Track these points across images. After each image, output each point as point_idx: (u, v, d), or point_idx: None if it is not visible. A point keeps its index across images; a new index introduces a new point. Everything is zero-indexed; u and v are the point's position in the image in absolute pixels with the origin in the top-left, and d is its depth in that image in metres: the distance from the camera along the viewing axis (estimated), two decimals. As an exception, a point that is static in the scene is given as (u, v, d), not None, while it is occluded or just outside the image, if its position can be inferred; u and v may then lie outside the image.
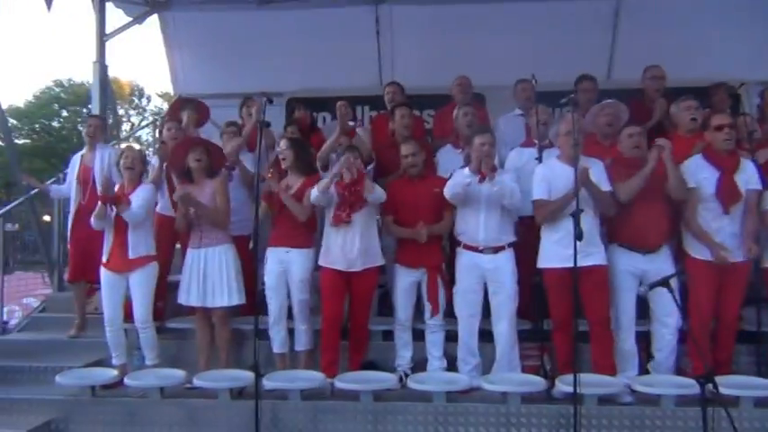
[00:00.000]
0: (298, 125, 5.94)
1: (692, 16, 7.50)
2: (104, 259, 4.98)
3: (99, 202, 4.87)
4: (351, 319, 4.96)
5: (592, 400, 4.21)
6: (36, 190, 6.59)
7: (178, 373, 4.76)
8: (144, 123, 27.66)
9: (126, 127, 27.19)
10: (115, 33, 7.70)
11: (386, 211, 4.88)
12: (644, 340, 4.63)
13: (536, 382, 4.44)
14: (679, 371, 4.56)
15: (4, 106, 7.29)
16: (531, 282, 4.75)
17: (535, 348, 4.82)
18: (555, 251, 4.46)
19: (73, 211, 5.79)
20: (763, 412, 4.12)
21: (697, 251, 4.53)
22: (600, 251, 4.49)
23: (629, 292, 4.52)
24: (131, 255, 4.90)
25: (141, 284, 4.92)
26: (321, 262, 4.89)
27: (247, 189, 5.44)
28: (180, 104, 6.46)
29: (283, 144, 5.08)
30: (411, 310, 4.93)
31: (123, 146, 6.23)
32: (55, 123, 29.16)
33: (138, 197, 4.92)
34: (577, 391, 3.85)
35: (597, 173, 4.47)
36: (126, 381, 4.69)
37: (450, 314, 4.87)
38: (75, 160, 5.94)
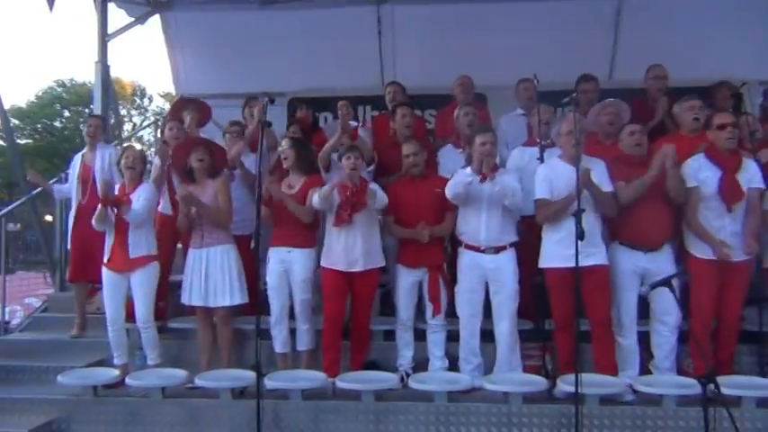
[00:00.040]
0: (300, 125, 5.95)
1: (694, 16, 7.48)
2: (105, 259, 4.99)
3: (99, 205, 4.87)
4: (352, 319, 4.96)
5: (593, 400, 4.21)
6: (38, 190, 6.60)
7: (180, 373, 4.76)
8: (146, 123, 27.71)
9: (128, 127, 27.16)
10: (117, 33, 7.70)
11: (387, 211, 4.88)
12: (645, 340, 4.62)
13: (537, 382, 4.44)
14: (681, 371, 4.56)
15: (6, 106, 7.30)
16: (533, 281, 4.75)
17: (537, 348, 4.83)
18: (556, 251, 4.46)
19: (73, 211, 5.81)
20: (765, 412, 4.12)
21: (699, 251, 4.52)
22: (601, 251, 4.49)
23: (631, 292, 4.52)
24: (132, 254, 4.91)
25: (142, 284, 4.93)
26: (323, 262, 4.89)
27: (249, 189, 5.44)
28: (182, 104, 6.47)
29: (285, 143, 5.08)
30: (413, 310, 4.93)
31: (124, 145, 6.24)
32: (57, 123, 29.14)
33: (140, 197, 4.93)
34: (579, 390, 3.84)
35: (599, 173, 4.47)
36: (128, 380, 4.69)
37: (451, 314, 4.87)
38: (77, 160, 5.95)
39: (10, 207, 6.91)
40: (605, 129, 5.00)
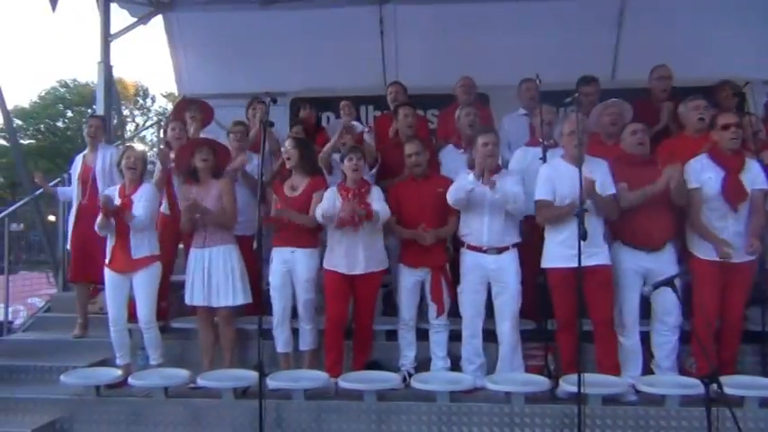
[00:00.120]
0: (303, 125, 5.95)
1: (696, 15, 7.47)
2: (107, 260, 4.99)
3: (100, 214, 4.88)
4: (355, 319, 4.96)
5: (596, 400, 4.20)
6: (41, 190, 6.61)
7: (182, 373, 4.77)
8: (148, 123, 27.69)
9: (130, 127, 27.21)
10: (120, 34, 7.71)
11: (390, 211, 4.87)
12: (648, 340, 4.62)
13: (540, 382, 4.44)
14: (683, 371, 4.55)
15: (10, 107, 7.31)
16: (535, 282, 4.74)
17: (539, 348, 4.82)
18: (559, 251, 4.45)
19: (73, 211, 5.81)
20: (768, 412, 4.11)
21: (701, 251, 4.51)
22: (604, 251, 4.48)
23: (634, 292, 4.51)
24: (134, 255, 4.91)
25: (145, 285, 4.94)
26: (325, 264, 4.89)
27: (251, 190, 5.44)
28: (184, 105, 6.47)
29: (288, 144, 5.08)
30: (415, 310, 4.93)
31: (124, 146, 6.25)
32: (60, 124, 29.17)
33: (141, 198, 4.94)
34: (581, 390, 3.82)
35: (602, 173, 4.47)
36: (130, 380, 4.70)
37: (454, 314, 4.88)
38: (78, 160, 5.96)
39: (13, 207, 6.93)
40: (608, 129, 4.99)
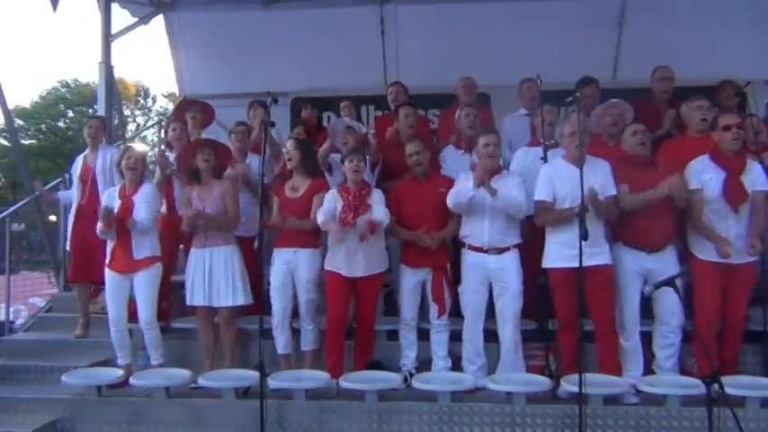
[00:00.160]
0: (305, 125, 5.95)
1: (697, 15, 7.47)
2: (107, 260, 5.00)
3: (100, 222, 4.88)
4: (357, 320, 4.96)
5: (597, 400, 4.20)
6: (43, 189, 6.61)
7: (183, 373, 4.77)
8: (149, 124, 27.71)
9: (131, 127, 27.24)
10: (121, 34, 7.72)
11: (391, 212, 4.87)
12: (649, 340, 4.61)
13: (541, 382, 4.44)
14: (684, 371, 4.55)
15: (11, 107, 7.31)
16: (537, 282, 4.74)
17: (540, 348, 4.82)
18: (560, 251, 4.45)
19: (73, 211, 5.80)
20: (770, 412, 4.10)
21: (702, 252, 4.51)
22: (605, 251, 4.48)
23: (634, 292, 4.50)
24: (136, 256, 4.91)
25: (145, 285, 4.93)
26: (326, 266, 4.88)
27: (252, 192, 5.44)
28: (185, 105, 6.48)
29: (290, 144, 5.08)
30: (416, 310, 4.92)
31: (123, 146, 6.25)
32: (61, 124, 29.19)
33: (142, 200, 4.94)
34: (582, 390, 3.81)
35: (603, 174, 4.47)
36: (131, 380, 4.70)
37: (455, 314, 4.87)
38: (78, 161, 5.95)
39: (14, 207, 6.93)
40: (609, 129, 4.99)
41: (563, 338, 4.59)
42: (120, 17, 7.87)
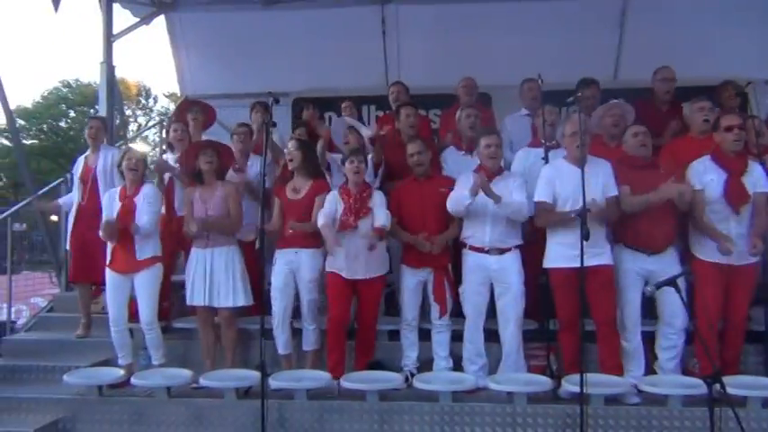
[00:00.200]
0: (307, 126, 5.95)
1: (699, 15, 7.46)
2: (108, 260, 5.00)
3: (102, 231, 4.89)
4: (358, 320, 4.96)
5: (598, 400, 4.20)
6: (44, 189, 6.62)
7: (185, 373, 4.78)
8: (151, 124, 27.75)
9: (133, 127, 27.29)
10: (122, 34, 7.72)
11: (392, 212, 4.86)
12: (650, 340, 4.61)
13: (542, 382, 4.44)
14: (686, 371, 4.55)
15: (12, 107, 7.32)
16: (538, 282, 4.74)
17: (541, 348, 4.82)
18: (561, 251, 4.45)
19: (73, 211, 5.80)
20: (771, 412, 4.09)
21: (703, 253, 4.50)
22: (606, 251, 4.48)
23: (635, 293, 4.50)
24: (139, 256, 4.92)
25: (146, 285, 4.94)
26: (327, 267, 4.88)
27: (253, 197, 5.44)
28: (186, 106, 6.48)
29: (292, 145, 5.08)
30: (417, 311, 4.92)
31: (124, 148, 6.26)
32: (62, 124, 29.25)
33: (144, 202, 4.94)
34: (584, 391, 3.82)
35: (604, 174, 4.46)
36: (133, 380, 4.71)
37: (456, 314, 4.87)
38: (80, 161, 5.95)
39: (16, 207, 6.93)
40: (610, 130, 4.99)
41: (564, 338, 4.58)
42: (122, 17, 7.88)
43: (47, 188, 7.08)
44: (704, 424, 3.68)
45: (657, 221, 4.44)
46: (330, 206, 4.80)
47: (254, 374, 4.36)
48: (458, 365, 4.82)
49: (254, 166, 5.62)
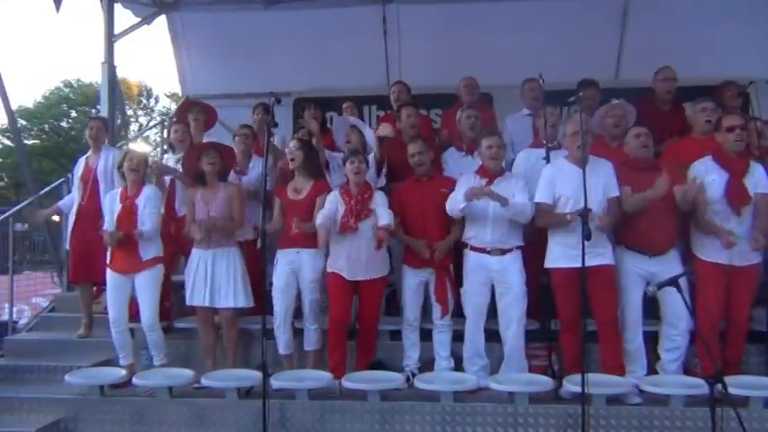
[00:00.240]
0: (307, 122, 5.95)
1: (700, 15, 7.45)
2: (108, 260, 5.00)
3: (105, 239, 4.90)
4: (359, 320, 4.96)
5: (600, 401, 4.20)
6: (46, 189, 6.61)
7: (186, 373, 4.78)
8: (152, 124, 27.77)
9: (134, 127, 27.30)
10: (123, 34, 7.71)
11: (394, 213, 4.84)
12: (652, 341, 4.61)
13: (544, 382, 4.43)
14: (688, 371, 4.54)
15: (14, 107, 7.32)
16: (539, 282, 4.74)
17: (543, 348, 4.81)
18: (562, 251, 4.45)
19: (74, 211, 5.79)
20: (773, 412, 4.09)
21: (705, 253, 4.50)
22: (607, 251, 4.48)
23: (636, 293, 4.50)
24: (143, 257, 4.92)
25: (148, 286, 4.94)
26: (329, 267, 4.88)
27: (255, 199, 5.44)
28: (187, 107, 6.49)
29: (293, 144, 5.08)
30: (419, 311, 4.92)
31: (125, 148, 6.26)
32: (64, 124, 29.26)
33: (146, 204, 4.95)
34: (585, 391, 3.83)
35: (606, 174, 4.46)
36: (134, 380, 4.71)
37: (457, 314, 4.87)
38: (80, 162, 5.95)
39: (18, 207, 6.93)
40: (611, 131, 4.98)
41: (566, 338, 4.58)
42: (123, 17, 7.87)
43: (48, 188, 7.09)
44: (706, 424, 3.68)
45: (659, 223, 4.43)
46: (330, 206, 4.80)
47: (256, 374, 4.37)
48: (459, 365, 4.82)
49: (256, 167, 5.61)
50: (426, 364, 4.91)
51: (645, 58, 6.22)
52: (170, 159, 5.92)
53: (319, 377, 4.64)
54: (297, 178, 5.05)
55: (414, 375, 4.72)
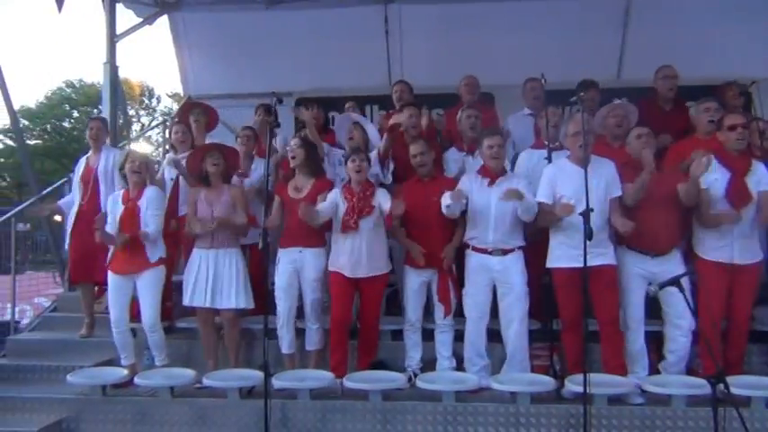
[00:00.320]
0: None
1: (702, 14, 7.45)
2: (108, 261, 5.00)
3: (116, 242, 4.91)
4: (360, 320, 4.96)
5: (602, 400, 4.20)
6: (48, 189, 6.61)
7: (188, 373, 4.78)
8: (154, 124, 27.81)
9: (136, 127, 27.30)
10: (125, 34, 7.72)
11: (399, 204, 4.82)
12: (654, 340, 4.60)
13: (545, 382, 4.43)
14: (690, 371, 4.54)
15: (16, 107, 7.32)
16: (541, 282, 4.73)
17: (545, 348, 4.81)
18: (564, 251, 4.45)
19: (74, 212, 5.79)
20: (775, 412, 4.08)
21: (707, 252, 4.50)
22: (609, 251, 4.47)
23: (638, 293, 4.50)
24: (151, 258, 4.92)
25: (149, 287, 4.93)
26: (330, 266, 4.89)
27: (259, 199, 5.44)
28: (188, 108, 6.49)
29: (294, 143, 5.07)
30: (421, 311, 4.92)
31: (126, 149, 6.25)
32: (66, 124, 29.28)
33: (149, 206, 4.94)
34: (587, 391, 3.83)
35: (609, 174, 4.46)
36: (136, 380, 4.71)
37: (459, 314, 4.86)
38: (81, 162, 5.96)
39: (20, 207, 6.94)
40: (613, 131, 4.97)
41: (567, 338, 4.58)
42: (125, 17, 7.88)
43: (50, 188, 7.09)
44: (708, 424, 3.68)
45: (660, 223, 4.42)
46: (329, 202, 4.79)
47: (257, 374, 4.37)
48: (461, 365, 4.81)
49: (258, 169, 5.62)
50: (428, 363, 4.91)
51: (647, 58, 6.20)
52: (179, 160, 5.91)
53: (321, 377, 4.64)
54: (297, 177, 5.05)
55: (415, 375, 4.72)
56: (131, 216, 4.92)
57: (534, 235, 4.78)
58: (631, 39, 7.94)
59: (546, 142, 4.92)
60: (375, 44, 8.14)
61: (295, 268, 4.92)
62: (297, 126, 6.29)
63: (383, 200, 4.79)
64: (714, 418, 3.43)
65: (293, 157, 5.01)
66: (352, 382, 4.51)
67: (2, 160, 26.57)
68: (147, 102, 32.55)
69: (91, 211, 5.50)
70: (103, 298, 5.86)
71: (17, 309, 6.47)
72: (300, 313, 5.02)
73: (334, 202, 4.81)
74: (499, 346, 4.74)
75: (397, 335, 5.10)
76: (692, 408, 4.13)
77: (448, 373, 4.75)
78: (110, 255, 5.00)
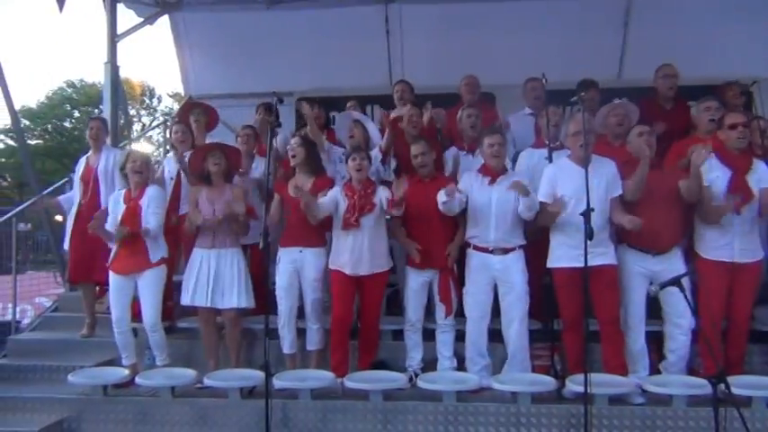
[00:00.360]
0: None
1: (703, 14, 7.44)
2: (110, 261, 5.00)
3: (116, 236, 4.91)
4: (361, 319, 4.96)
5: (602, 400, 4.20)
6: (49, 189, 6.60)
7: (189, 373, 4.78)
8: (155, 123, 27.80)
9: (137, 127, 27.31)
10: (126, 34, 7.72)
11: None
12: (654, 341, 4.60)
13: (546, 382, 4.43)
14: (691, 371, 4.53)
15: (17, 107, 7.33)
16: (542, 282, 4.73)
17: (545, 348, 4.82)
18: (565, 251, 4.45)
19: (74, 212, 5.79)
20: (776, 412, 4.08)
21: (707, 252, 4.50)
22: (610, 251, 4.47)
23: (639, 292, 4.49)
24: (152, 258, 4.92)
25: (150, 286, 4.93)
26: (331, 264, 4.89)
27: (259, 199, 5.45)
28: (189, 107, 6.49)
29: (295, 141, 5.07)
30: (422, 312, 4.92)
31: (127, 148, 6.25)
32: (67, 124, 29.30)
33: (150, 205, 4.94)
34: (588, 390, 3.83)
35: (609, 174, 4.46)
36: (137, 380, 4.72)
37: (460, 313, 4.86)
38: (81, 162, 5.96)
39: (21, 207, 6.94)
40: (614, 130, 4.97)
41: (568, 338, 4.58)
42: (126, 17, 7.87)
43: (51, 188, 7.08)
44: (709, 424, 3.68)
45: (661, 221, 4.41)
46: (329, 199, 4.80)
47: (258, 374, 4.37)
48: (462, 365, 4.81)
49: (258, 168, 5.62)
50: (429, 363, 4.91)
51: (648, 58, 6.19)
52: (171, 160, 5.91)
53: (322, 377, 4.64)
54: (298, 175, 5.05)
55: (416, 375, 4.72)
56: (133, 215, 4.92)
57: (534, 234, 4.78)
58: (632, 38, 7.93)
59: (546, 142, 4.92)
60: (376, 44, 8.13)
61: (295, 268, 4.93)
62: (298, 124, 6.28)
63: (384, 197, 4.79)
64: (715, 418, 3.43)
65: (293, 156, 5.01)
66: (352, 382, 4.52)
67: (3, 160, 26.58)
68: (147, 102, 32.58)
69: (91, 210, 5.50)
70: (105, 298, 5.87)
71: (18, 309, 6.47)
72: (301, 313, 5.02)
73: (334, 198, 4.81)
74: (500, 346, 4.74)
75: (398, 335, 5.11)
76: (693, 408, 4.13)
77: (449, 373, 4.76)
78: (111, 255, 5.00)
